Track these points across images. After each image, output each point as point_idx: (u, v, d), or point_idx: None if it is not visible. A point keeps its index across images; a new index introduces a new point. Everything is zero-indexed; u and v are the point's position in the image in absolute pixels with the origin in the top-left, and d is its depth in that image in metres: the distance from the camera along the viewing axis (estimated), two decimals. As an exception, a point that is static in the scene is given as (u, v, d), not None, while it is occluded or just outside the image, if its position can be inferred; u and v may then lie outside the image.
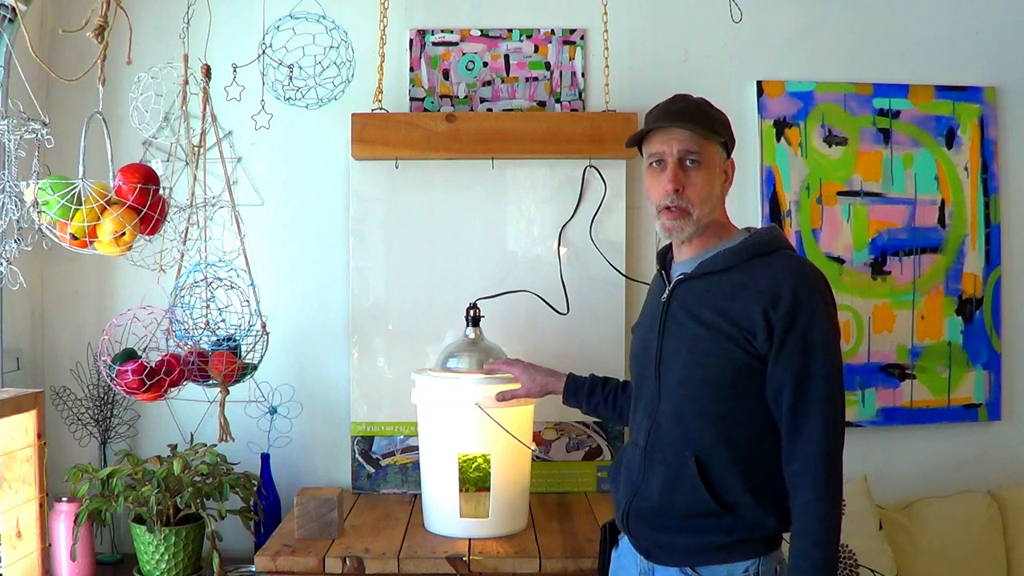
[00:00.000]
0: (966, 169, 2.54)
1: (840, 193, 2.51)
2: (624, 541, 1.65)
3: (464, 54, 2.48)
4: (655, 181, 1.57)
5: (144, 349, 1.98)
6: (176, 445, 2.26)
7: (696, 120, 1.54)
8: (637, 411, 1.64)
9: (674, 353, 1.55)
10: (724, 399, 1.50)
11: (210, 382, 1.99)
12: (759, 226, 1.62)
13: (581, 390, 1.90)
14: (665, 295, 1.58)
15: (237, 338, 2.00)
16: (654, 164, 1.57)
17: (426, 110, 2.46)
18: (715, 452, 1.50)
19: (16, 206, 1.92)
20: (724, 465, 1.49)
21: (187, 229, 2.05)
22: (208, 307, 1.98)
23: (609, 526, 1.72)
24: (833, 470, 1.45)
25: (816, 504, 1.43)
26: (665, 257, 1.68)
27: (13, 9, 1.97)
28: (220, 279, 1.96)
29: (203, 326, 1.99)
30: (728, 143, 1.60)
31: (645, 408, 1.60)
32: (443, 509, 2.03)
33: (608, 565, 1.71)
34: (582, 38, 2.49)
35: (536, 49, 2.48)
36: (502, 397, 1.96)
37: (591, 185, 2.41)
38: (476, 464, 2.05)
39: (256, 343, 2.00)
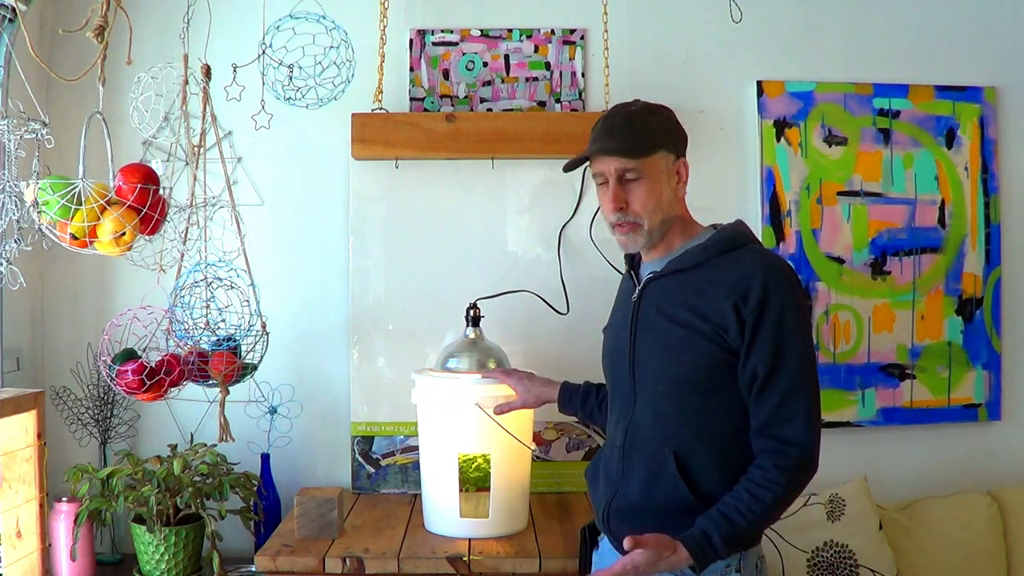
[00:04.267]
0: (966, 169, 2.54)
1: (840, 193, 2.50)
2: (604, 542, 1.66)
3: (464, 54, 2.48)
4: (603, 198, 1.59)
5: (144, 349, 1.98)
6: (176, 445, 2.26)
7: (625, 144, 1.54)
8: (613, 411, 1.65)
9: (648, 352, 1.56)
10: (700, 395, 1.51)
11: (210, 382, 1.99)
12: (735, 222, 1.63)
13: (575, 397, 1.91)
14: (636, 295, 1.60)
15: (237, 338, 2.00)
16: (599, 182, 1.60)
17: (426, 110, 2.46)
18: (694, 448, 1.51)
19: (16, 206, 1.92)
20: (703, 461, 1.50)
21: (187, 229, 2.05)
22: (208, 307, 1.98)
23: (588, 528, 1.72)
24: (793, 452, 1.45)
25: (771, 470, 1.44)
26: (633, 258, 1.69)
27: (13, 9, 1.97)
28: (220, 279, 1.96)
29: (203, 326, 1.99)
30: (676, 146, 1.57)
31: (621, 408, 1.61)
32: (443, 509, 2.03)
33: (589, 568, 1.71)
34: (582, 38, 2.49)
35: (536, 49, 2.48)
36: (499, 410, 1.95)
37: (591, 185, 2.40)
38: (476, 464, 2.05)
39: (256, 343, 2.00)
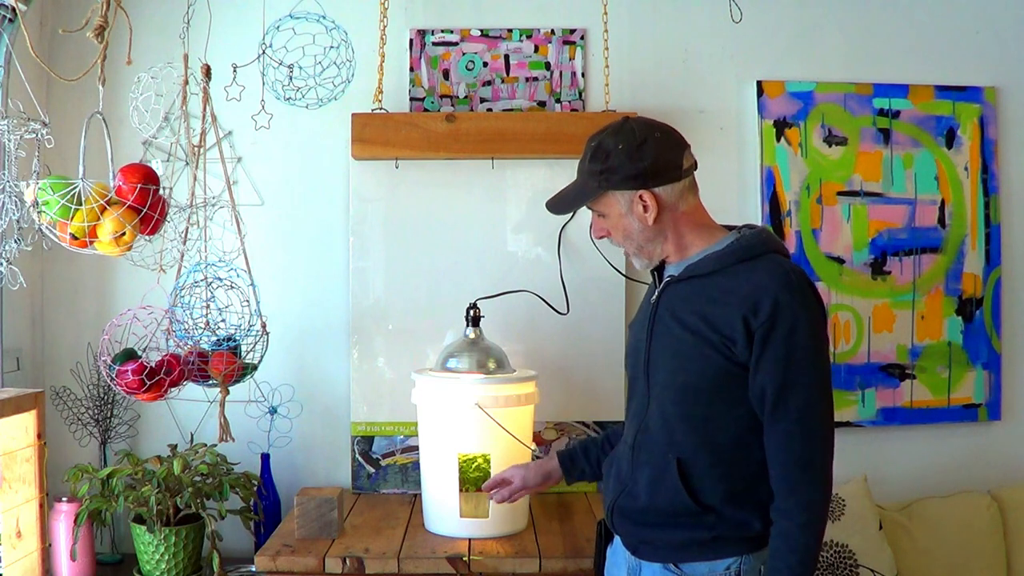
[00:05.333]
0: (966, 169, 2.54)
1: (840, 193, 2.50)
2: (617, 538, 1.66)
3: (464, 54, 2.48)
4: None
5: (144, 349, 1.98)
6: (176, 445, 2.26)
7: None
8: (629, 410, 1.65)
9: (660, 356, 1.56)
10: (707, 403, 1.50)
11: (210, 382, 1.99)
12: (756, 224, 1.61)
13: (576, 455, 1.84)
14: (654, 297, 1.59)
15: (237, 338, 2.00)
16: None
17: (426, 110, 2.46)
18: (698, 455, 1.50)
19: (16, 206, 1.92)
20: (706, 468, 1.50)
21: (187, 229, 2.05)
22: (208, 307, 1.98)
23: (605, 523, 1.73)
24: (814, 476, 1.45)
25: (795, 510, 1.44)
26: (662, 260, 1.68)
27: (13, 9, 1.97)
28: (220, 279, 1.96)
29: (203, 326, 1.99)
30: (629, 183, 1.53)
31: (636, 408, 1.61)
32: (443, 509, 2.03)
33: (604, 561, 1.72)
34: (582, 38, 2.49)
35: (536, 49, 2.48)
36: (501, 499, 1.87)
37: (591, 185, 2.41)
38: (476, 464, 2.05)
39: (256, 343, 2.00)
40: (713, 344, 1.47)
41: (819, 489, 1.45)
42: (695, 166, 1.58)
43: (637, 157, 1.52)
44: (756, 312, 1.44)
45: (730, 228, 1.60)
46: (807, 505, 1.44)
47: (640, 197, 1.53)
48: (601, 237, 1.63)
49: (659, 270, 1.64)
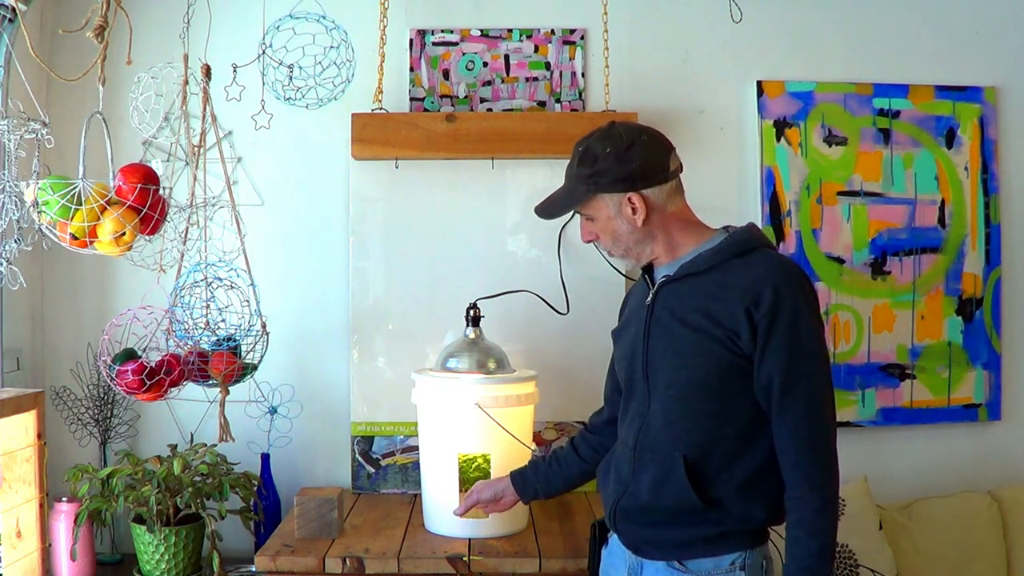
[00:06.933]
0: (966, 169, 2.54)
1: (840, 193, 2.51)
2: (613, 539, 1.66)
3: (464, 54, 2.48)
4: None
5: (144, 349, 1.98)
6: (176, 445, 2.26)
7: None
8: (627, 413, 1.65)
9: (661, 355, 1.56)
10: (712, 399, 1.51)
11: (210, 382, 1.99)
12: (739, 224, 1.63)
13: (527, 474, 1.87)
14: (649, 298, 1.60)
15: (237, 338, 2.00)
16: None
17: (426, 110, 2.46)
18: (703, 451, 1.51)
19: (16, 206, 1.92)
20: (712, 464, 1.51)
21: (187, 229, 2.05)
22: (208, 307, 1.98)
23: (599, 524, 1.73)
24: (824, 461, 1.47)
25: (810, 495, 1.46)
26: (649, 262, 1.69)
27: (13, 9, 1.97)
28: (220, 279, 1.96)
29: (203, 326, 1.99)
30: (617, 185, 1.55)
31: (635, 409, 1.61)
32: (443, 509, 2.03)
33: (599, 564, 1.72)
34: (582, 38, 2.49)
35: (536, 49, 2.48)
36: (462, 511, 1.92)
37: (591, 185, 2.41)
38: (476, 464, 2.05)
39: (256, 343, 2.00)
40: (717, 339, 1.49)
41: (830, 473, 1.47)
42: (681, 168, 1.60)
43: (625, 160, 1.54)
44: (758, 303, 1.46)
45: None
46: (821, 489, 1.46)
47: (629, 199, 1.55)
48: (590, 241, 1.65)
49: (649, 273, 1.65)
